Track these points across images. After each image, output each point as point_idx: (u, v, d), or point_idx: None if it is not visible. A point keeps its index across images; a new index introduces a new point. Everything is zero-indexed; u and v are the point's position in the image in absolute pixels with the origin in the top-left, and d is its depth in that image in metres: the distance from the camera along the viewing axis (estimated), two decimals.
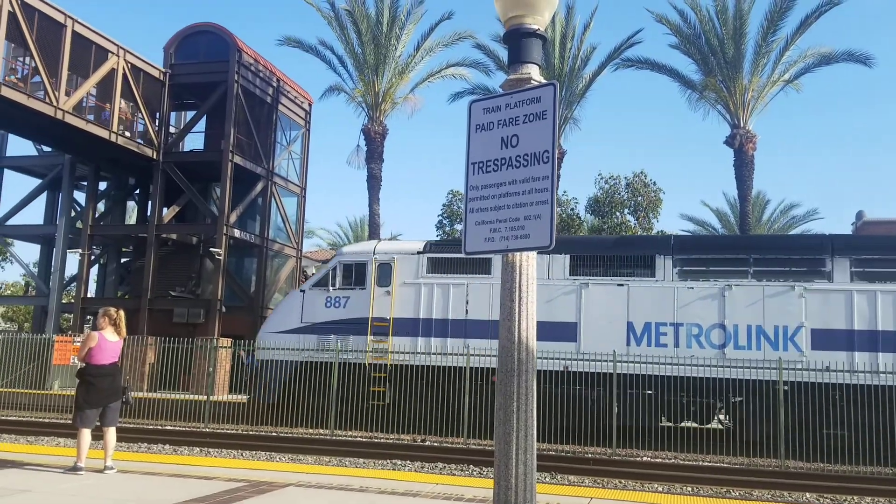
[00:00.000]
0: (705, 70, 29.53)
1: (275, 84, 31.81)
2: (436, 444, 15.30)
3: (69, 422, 11.97)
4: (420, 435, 16.58)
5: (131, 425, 15.52)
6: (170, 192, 29.43)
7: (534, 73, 4.16)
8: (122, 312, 9.35)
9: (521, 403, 3.96)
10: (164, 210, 29.68)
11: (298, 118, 34.01)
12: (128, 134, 28.47)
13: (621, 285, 17.34)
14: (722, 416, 16.91)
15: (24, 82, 24.90)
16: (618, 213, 40.27)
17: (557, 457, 13.54)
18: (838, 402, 15.30)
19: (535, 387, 4.04)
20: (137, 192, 32.22)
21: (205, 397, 18.31)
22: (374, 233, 31.55)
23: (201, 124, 31.29)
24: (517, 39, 4.23)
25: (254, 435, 15.42)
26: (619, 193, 40.52)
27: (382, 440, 15.69)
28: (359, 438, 15.89)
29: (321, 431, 16.94)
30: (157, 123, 29.40)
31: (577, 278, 17.60)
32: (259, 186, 30.66)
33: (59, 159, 30.65)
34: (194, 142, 31.90)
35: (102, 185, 31.70)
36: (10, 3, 22.82)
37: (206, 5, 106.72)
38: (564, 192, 43.24)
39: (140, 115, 29.07)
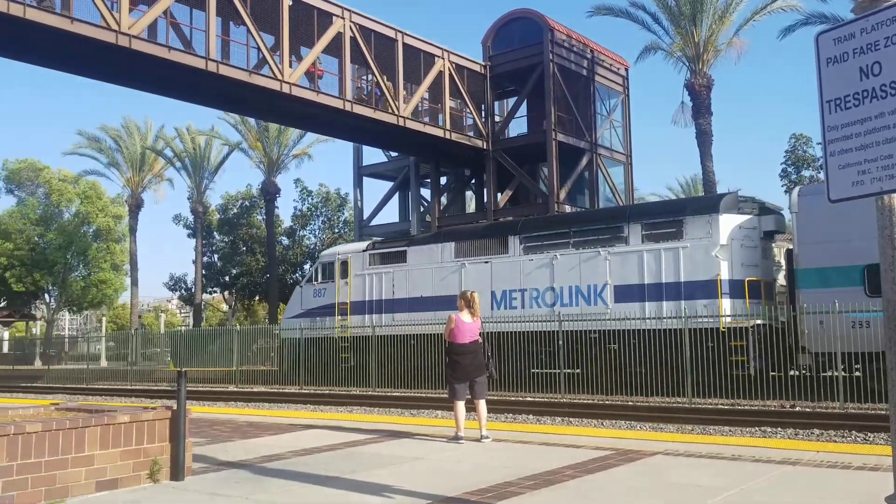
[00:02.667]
0: None
1: (589, 56, 31.82)
2: (808, 409, 14.19)
3: (444, 395, 13.25)
4: (789, 401, 15.51)
5: (496, 397, 16.68)
6: (502, 177, 30.98)
7: None
8: (475, 295, 10.08)
9: None
10: (499, 195, 31.33)
11: (616, 85, 33.64)
12: (458, 129, 30.57)
13: (486, 262, 21.83)
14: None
15: (369, 97, 27.99)
16: None
17: None
18: (634, 345, 18.27)
19: None
20: (473, 181, 34.45)
21: (557, 370, 19.03)
22: (708, 191, 30.12)
23: (523, 108, 32.41)
24: None
25: (609, 405, 15.67)
26: None
27: (746, 406, 14.95)
28: (720, 406, 15.34)
29: (678, 400, 16.67)
30: (483, 115, 31.12)
31: (459, 259, 22.36)
32: (584, 160, 30.96)
33: (405, 161, 33.90)
34: (519, 126, 33.18)
35: (443, 180, 34.42)
36: (351, 29, 25.76)
37: None
38: None
39: (468, 110, 30.99)
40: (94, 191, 53.43)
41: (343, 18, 25.58)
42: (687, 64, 30.41)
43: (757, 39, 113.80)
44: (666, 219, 19.24)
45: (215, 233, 52.66)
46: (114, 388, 25.03)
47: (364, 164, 35.51)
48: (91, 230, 53.51)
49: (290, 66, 24.35)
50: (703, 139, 29.91)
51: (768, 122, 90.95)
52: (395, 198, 35.51)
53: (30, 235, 51.00)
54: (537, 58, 29.58)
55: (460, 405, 9.57)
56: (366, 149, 35.00)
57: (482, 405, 9.69)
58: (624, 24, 38.91)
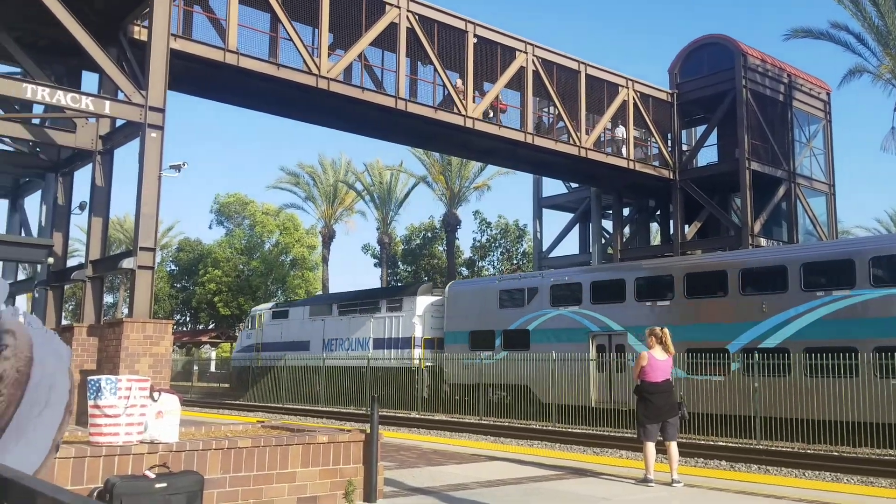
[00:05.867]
0: None
1: (785, 80, 30.07)
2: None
3: (631, 435, 12.78)
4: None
5: (683, 439, 15.89)
6: (689, 208, 29.83)
7: None
8: (666, 330, 9.67)
9: None
10: (686, 227, 30.16)
11: (816, 110, 31.51)
12: (642, 160, 29.85)
13: (322, 320, 32.08)
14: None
15: (550, 130, 28.02)
16: None
17: None
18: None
19: None
20: (658, 213, 33.42)
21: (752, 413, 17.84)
22: None
23: (713, 137, 31.15)
24: None
25: (811, 454, 14.44)
26: None
27: None
28: None
29: (890, 452, 15.06)
30: (669, 144, 30.20)
31: (314, 318, 32.72)
32: (781, 190, 29.14)
33: (585, 193, 33.54)
34: (707, 155, 31.87)
35: (626, 211, 33.67)
36: (534, 63, 26.01)
37: (703, 19, 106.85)
38: None
39: (653, 140, 30.22)
40: (291, 222, 57.35)
41: (526, 53, 25.88)
42: None
43: None
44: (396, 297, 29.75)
45: (399, 262, 54.69)
46: (306, 409, 26.45)
47: (544, 195, 35.51)
48: (289, 259, 57.36)
49: (474, 101, 24.93)
50: None
51: None
52: (576, 229, 35.16)
53: (236, 263, 55.51)
54: (728, 84, 28.35)
55: (650, 446, 9.19)
56: (546, 180, 35.01)
57: (674, 447, 9.25)
58: (824, 46, 36.41)
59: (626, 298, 21.53)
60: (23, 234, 20.51)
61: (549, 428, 19.81)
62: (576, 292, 23.04)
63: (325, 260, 55.30)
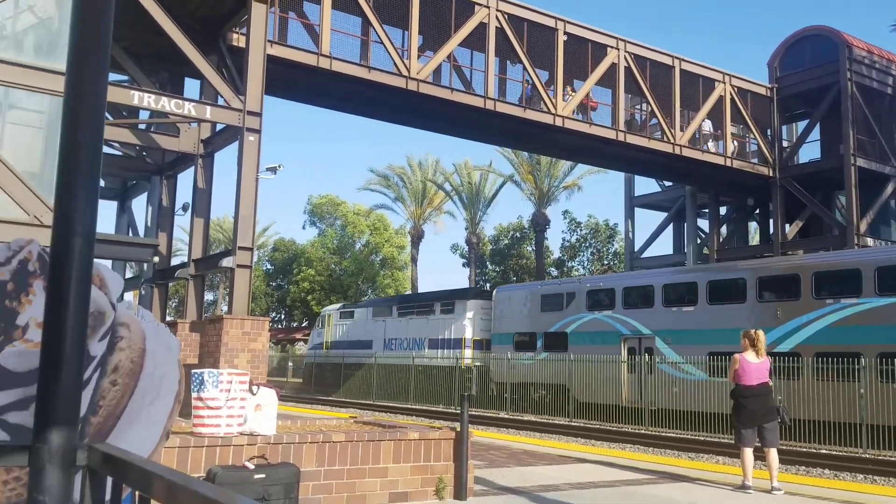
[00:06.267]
0: None
1: (894, 72, 28.53)
2: None
3: (728, 441, 12.40)
4: None
5: (784, 447, 15.29)
6: (790, 207, 28.69)
7: None
8: (760, 333, 9.35)
9: None
10: (787, 227, 29.02)
11: None
12: (740, 157, 28.87)
13: (383, 321, 33.99)
14: None
15: (643, 127, 27.46)
16: None
17: None
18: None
19: None
20: (757, 211, 32.28)
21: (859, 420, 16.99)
22: None
23: (815, 132, 29.87)
24: None
25: None
26: None
27: None
28: None
29: None
30: (769, 140, 29.12)
31: (376, 319, 34.38)
32: (890, 187, 27.67)
33: (680, 191, 32.71)
34: (810, 152, 30.60)
35: (723, 210, 32.67)
36: (626, 59, 25.55)
37: (804, 11, 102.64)
38: None
39: (751, 136, 29.20)
40: (381, 223, 58.22)
41: (617, 49, 25.46)
42: None
43: None
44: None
45: (488, 262, 54.71)
46: (395, 407, 26.77)
47: (636, 194, 34.83)
48: (378, 259, 58.25)
49: (563, 100, 24.70)
50: None
51: None
52: (670, 229, 34.34)
53: (328, 263, 56.77)
54: (832, 77, 27.13)
55: (748, 452, 8.88)
56: (638, 178, 34.34)
57: (773, 454, 8.91)
58: None
59: (654, 304, 22.47)
60: (130, 234, 21.56)
61: (641, 431, 19.43)
62: (609, 297, 24.11)
63: (413, 260, 55.86)
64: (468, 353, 28.38)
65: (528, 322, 26.54)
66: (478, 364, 27.78)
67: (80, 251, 1.43)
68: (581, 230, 50.27)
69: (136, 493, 1.90)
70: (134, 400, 2.32)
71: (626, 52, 25.60)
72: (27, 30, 15.03)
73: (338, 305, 40.51)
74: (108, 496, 1.58)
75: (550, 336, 25.50)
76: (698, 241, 32.41)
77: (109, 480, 1.48)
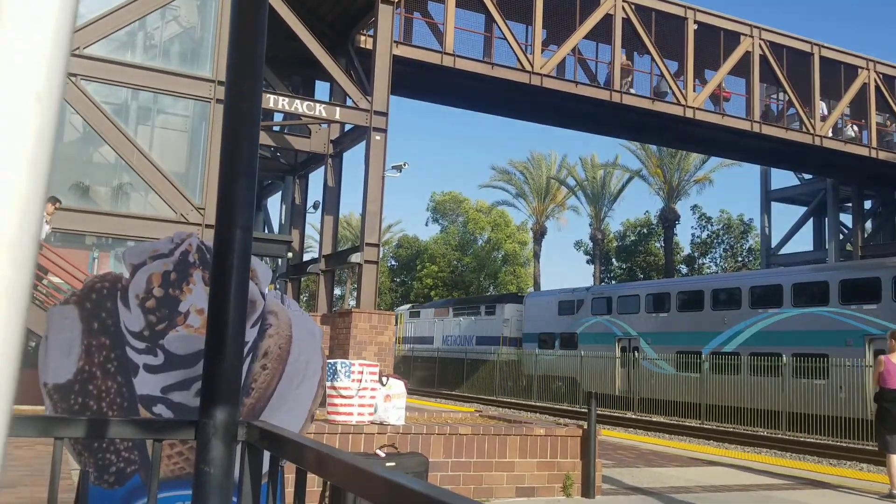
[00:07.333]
0: None
1: None
2: None
3: (872, 448, 11.68)
4: None
5: None
6: None
7: None
8: None
9: None
10: None
11: None
12: (887, 147, 26.98)
13: (441, 320, 38.56)
14: None
15: (779, 117, 26.14)
16: None
17: None
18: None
19: None
20: None
21: None
22: None
23: None
24: None
25: None
26: None
27: None
28: None
29: None
30: None
31: (437, 318, 38.95)
32: None
33: (820, 185, 30.95)
34: None
35: (867, 204, 30.66)
36: (760, 47, 24.40)
37: None
38: None
39: None
40: (502, 219, 58.26)
41: (751, 37, 24.37)
42: None
43: None
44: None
45: (613, 259, 53.67)
46: (517, 403, 26.81)
47: (772, 188, 33.22)
48: (500, 255, 58.35)
49: (694, 91, 23.88)
50: None
51: None
52: (809, 224, 32.56)
53: (450, 259, 57.41)
54: None
55: (894, 458, 8.32)
56: (775, 171, 32.73)
57: None
58: None
59: (640, 310, 26.39)
60: (266, 231, 22.62)
61: (778, 436, 18.56)
62: (608, 304, 28.19)
63: (536, 256, 55.57)
64: (504, 349, 32.79)
65: (549, 324, 31.03)
66: (513, 359, 31.65)
67: (240, 242, 1.55)
68: (712, 225, 48.43)
69: (282, 466, 2.01)
70: (282, 384, 2.48)
71: (760, 39, 24.46)
72: (173, 38, 16.08)
73: (408, 306, 45.37)
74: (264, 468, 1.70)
75: (565, 336, 29.93)
76: (840, 236, 30.56)
77: (266, 455, 1.60)
